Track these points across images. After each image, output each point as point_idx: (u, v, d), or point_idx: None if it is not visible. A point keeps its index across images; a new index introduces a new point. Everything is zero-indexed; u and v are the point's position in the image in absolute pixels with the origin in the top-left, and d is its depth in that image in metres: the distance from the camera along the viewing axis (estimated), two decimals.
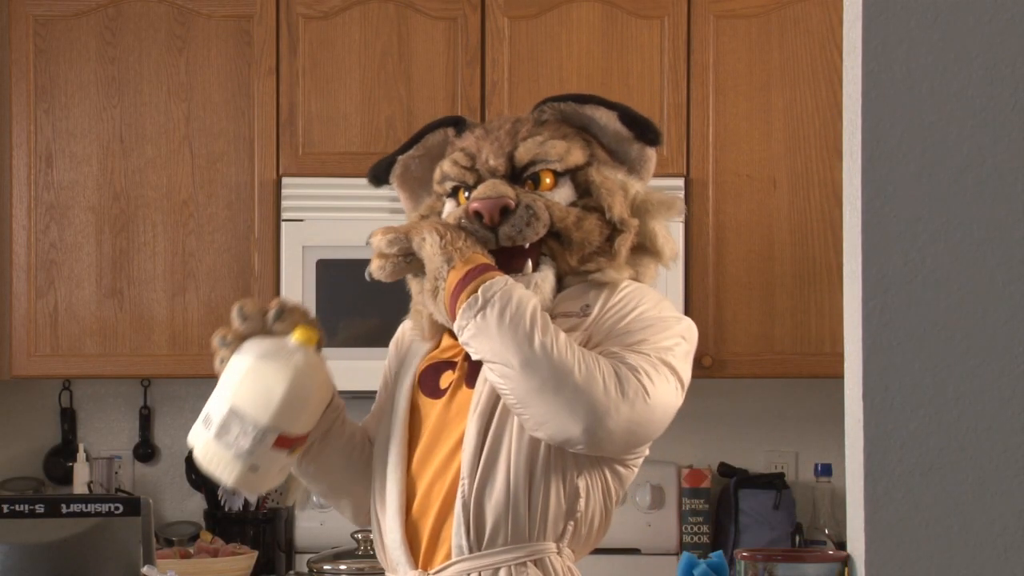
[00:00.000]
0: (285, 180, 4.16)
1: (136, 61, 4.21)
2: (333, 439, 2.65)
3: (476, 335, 2.42)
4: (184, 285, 4.20)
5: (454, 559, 2.50)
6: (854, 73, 1.97)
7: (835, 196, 4.13)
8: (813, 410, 4.49)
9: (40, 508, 2.44)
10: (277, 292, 4.16)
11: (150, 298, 4.20)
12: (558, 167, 2.57)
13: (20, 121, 4.21)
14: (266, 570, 4.17)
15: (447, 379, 2.59)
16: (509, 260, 2.52)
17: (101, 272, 4.20)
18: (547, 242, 2.54)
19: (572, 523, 2.53)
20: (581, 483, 2.53)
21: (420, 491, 2.56)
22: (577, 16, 4.20)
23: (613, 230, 2.56)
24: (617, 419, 2.41)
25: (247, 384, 2.45)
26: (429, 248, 2.49)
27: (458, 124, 2.67)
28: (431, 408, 2.59)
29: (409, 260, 2.55)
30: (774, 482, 4.35)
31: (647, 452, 2.60)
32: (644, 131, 2.64)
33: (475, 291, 2.43)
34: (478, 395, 2.53)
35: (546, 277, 2.53)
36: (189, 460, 4.44)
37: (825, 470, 4.34)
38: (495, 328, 2.41)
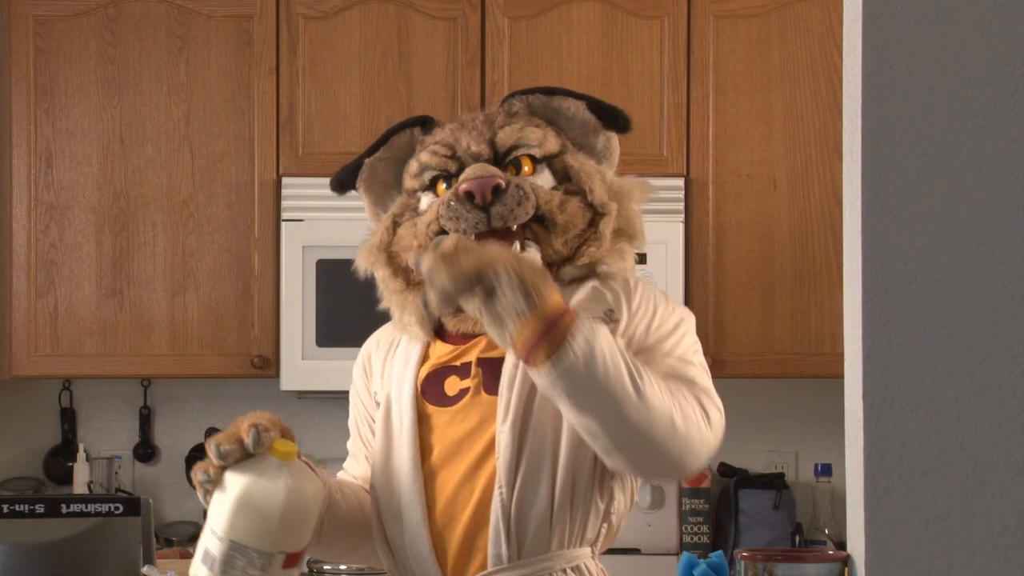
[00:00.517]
0: (285, 180, 4.16)
1: (136, 61, 4.22)
2: (337, 517, 2.61)
3: (571, 391, 2.33)
4: (184, 285, 4.20)
5: (491, 568, 2.49)
6: (854, 73, 1.97)
7: (835, 196, 4.14)
8: (813, 410, 4.49)
9: (40, 508, 2.44)
10: (277, 292, 4.16)
11: (150, 298, 4.20)
12: (537, 152, 2.57)
13: (20, 121, 4.21)
14: None
15: (454, 385, 2.57)
16: (495, 243, 2.51)
17: (101, 272, 4.20)
18: (531, 226, 2.53)
19: (606, 526, 2.54)
20: (616, 486, 2.55)
21: (442, 501, 2.54)
22: (577, 16, 4.20)
23: (595, 214, 2.56)
24: (708, 450, 2.45)
25: (242, 514, 2.37)
26: (506, 283, 2.33)
27: (425, 124, 2.66)
28: (442, 416, 2.55)
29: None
30: (774, 482, 4.35)
31: None
32: (613, 118, 2.63)
33: (562, 340, 2.33)
34: (505, 404, 2.50)
35: (535, 258, 2.52)
36: (189, 460, 4.45)
37: (825, 470, 4.34)
38: (591, 383, 2.33)
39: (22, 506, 2.43)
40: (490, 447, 2.52)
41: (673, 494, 4.36)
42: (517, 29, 4.20)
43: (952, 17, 1.92)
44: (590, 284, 2.58)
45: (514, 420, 2.49)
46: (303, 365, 4.14)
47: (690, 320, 2.61)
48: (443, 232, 2.54)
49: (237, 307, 4.20)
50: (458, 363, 2.57)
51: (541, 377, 2.34)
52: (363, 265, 2.66)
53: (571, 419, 2.39)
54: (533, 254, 2.53)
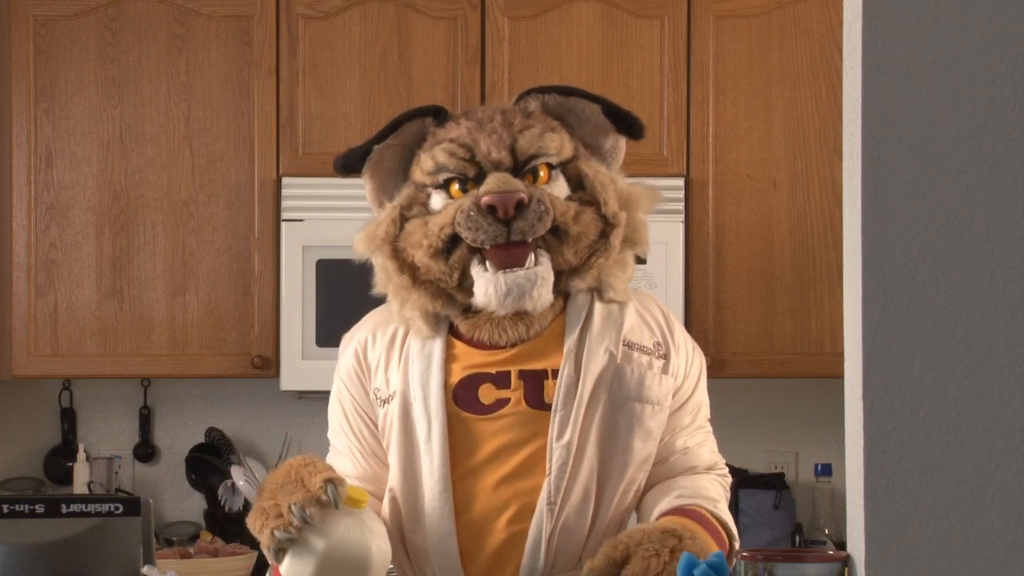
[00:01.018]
0: (285, 180, 4.16)
1: (136, 61, 4.22)
2: None
3: None
4: (184, 285, 4.20)
5: None
6: (854, 73, 1.97)
7: (835, 196, 4.14)
8: (813, 410, 4.49)
9: (40, 508, 2.43)
10: (277, 292, 4.16)
11: (150, 298, 4.20)
12: (554, 160, 2.57)
13: (20, 121, 4.21)
14: (266, 570, 4.16)
15: (490, 394, 2.56)
16: (510, 252, 2.51)
17: (101, 272, 4.20)
18: (543, 235, 2.54)
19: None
20: (631, 504, 2.64)
21: (474, 510, 2.53)
22: (577, 16, 4.20)
23: (606, 224, 2.57)
24: None
25: (336, 566, 2.37)
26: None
27: (438, 114, 2.64)
28: (476, 424, 2.55)
29: None
30: (774, 482, 4.35)
31: None
32: (629, 126, 2.63)
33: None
34: (561, 420, 2.51)
35: (548, 270, 2.53)
36: (189, 460, 4.45)
37: (825, 470, 4.34)
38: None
39: (22, 506, 2.43)
40: (531, 460, 2.52)
41: None
42: (517, 29, 4.20)
43: (952, 17, 1.92)
44: (632, 308, 2.61)
45: (570, 438, 2.50)
46: (303, 365, 4.14)
47: (703, 360, 2.76)
48: (455, 239, 2.53)
49: (237, 307, 4.20)
50: (494, 371, 2.56)
51: None
52: (363, 251, 2.64)
53: None
54: (546, 266, 2.53)
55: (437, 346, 2.58)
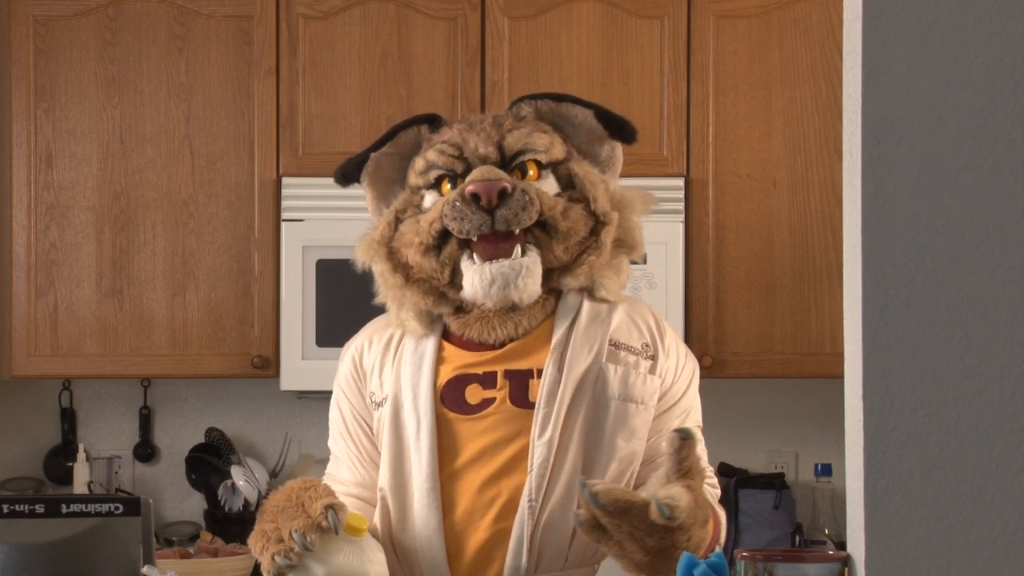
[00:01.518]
0: (285, 180, 4.16)
1: (136, 61, 4.21)
2: None
3: None
4: (184, 285, 4.20)
5: None
6: (854, 73, 1.97)
7: (835, 196, 4.14)
8: (813, 410, 4.49)
9: (40, 508, 2.43)
10: (277, 292, 4.15)
11: (150, 298, 4.20)
12: (543, 158, 2.59)
13: (20, 121, 4.21)
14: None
15: (476, 394, 2.57)
16: (497, 244, 2.52)
17: (101, 272, 4.20)
18: (532, 231, 2.55)
19: None
20: None
21: (460, 509, 2.55)
22: (577, 16, 4.20)
23: (597, 222, 2.58)
24: None
25: None
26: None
27: (432, 121, 2.67)
28: (462, 424, 2.57)
29: None
30: (774, 482, 4.35)
31: None
32: (620, 129, 2.65)
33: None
34: (543, 418, 2.53)
35: (535, 262, 2.55)
36: (189, 460, 4.45)
37: (825, 470, 4.34)
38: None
39: (22, 506, 2.43)
40: (516, 458, 2.54)
41: None
42: (517, 29, 4.20)
43: (952, 17, 1.92)
44: (622, 309, 2.62)
45: (551, 436, 2.51)
46: (303, 365, 4.13)
47: (697, 366, 2.75)
48: (445, 234, 2.55)
49: (237, 307, 4.20)
50: (480, 372, 2.58)
51: None
52: (362, 258, 2.67)
53: None
54: (533, 258, 2.54)
55: (429, 348, 2.60)
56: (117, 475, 4.43)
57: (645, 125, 4.16)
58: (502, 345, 2.59)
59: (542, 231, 2.55)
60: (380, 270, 2.64)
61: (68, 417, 4.53)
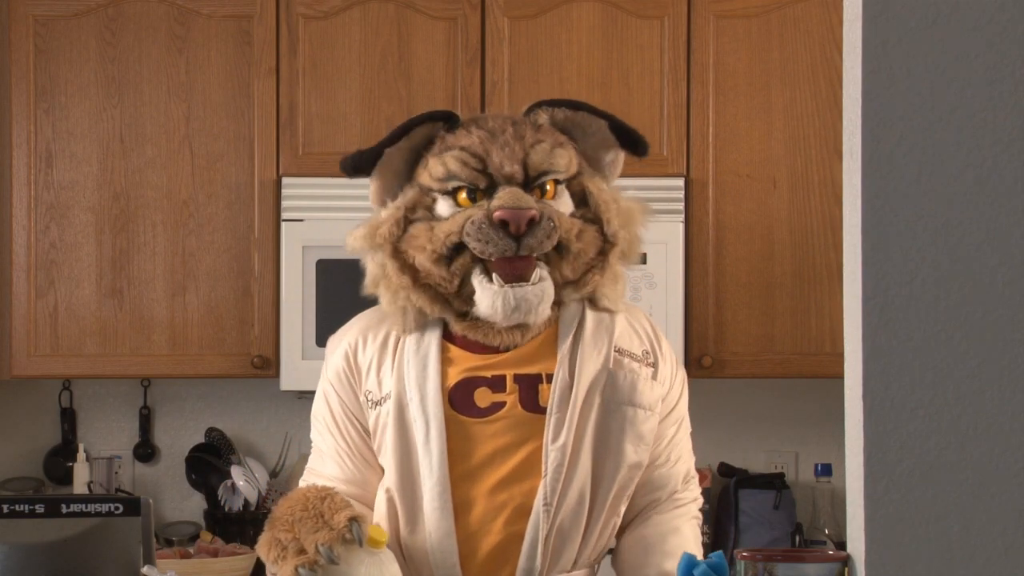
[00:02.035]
0: (285, 180, 4.16)
1: (136, 61, 4.21)
2: None
3: None
4: (184, 285, 4.20)
5: None
6: (854, 73, 1.97)
7: (835, 196, 4.14)
8: (813, 410, 4.49)
9: (40, 508, 2.43)
10: (277, 292, 4.15)
11: (150, 298, 4.20)
12: (562, 177, 2.59)
13: (20, 121, 4.21)
14: (266, 570, 4.16)
15: (485, 397, 2.58)
16: (516, 265, 2.53)
17: (101, 272, 4.20)
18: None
19: (608, 543, 2.66)
20: (623, 507, 2.66)
21: (472, 512, 2.55)
22: (577, 16, 4.20)
23: (605, 242, 2.59)
24: None
25: None
26: None
27: (448, 119, 2.65)
28: (472, 427, 2.57)
29: None
30: (774, 482, 4.35)
31: None
32: (634, 143, 2.65)
33: None
34: (556, 423, 2.54)
35: (551, 286, 2.56)
36: (189, 460, 4.45)
37: (825, 470, 4.34)
38: None
39: (22, 506, 2.43)
40: (527, 463, 2.55)
41: None
42: (517, 29, 4.20)
43: (952, 17, 1.92)
44: (622, 317, 2.64)
45: (565, 441, 2.52)
46: (303, 365, 4.13)
47: (686, 376, 2.80)
48: (459, 247, 2.54)
49: (237, 307, 4.20)
50: (489, 375, 2.58)
51: None
52: (360, 247, 2.65)
53: None
54: (549, 281, 2.55)
55: (433, 349, 2.60)
56: (117, 475, 4.43)
57: (645, 125, 4.16)
58: (507, 349, 2.59)
59: (554, 251, 2.57)
60: (381, 262, 2.63)
61: (68, 417, 4.53)
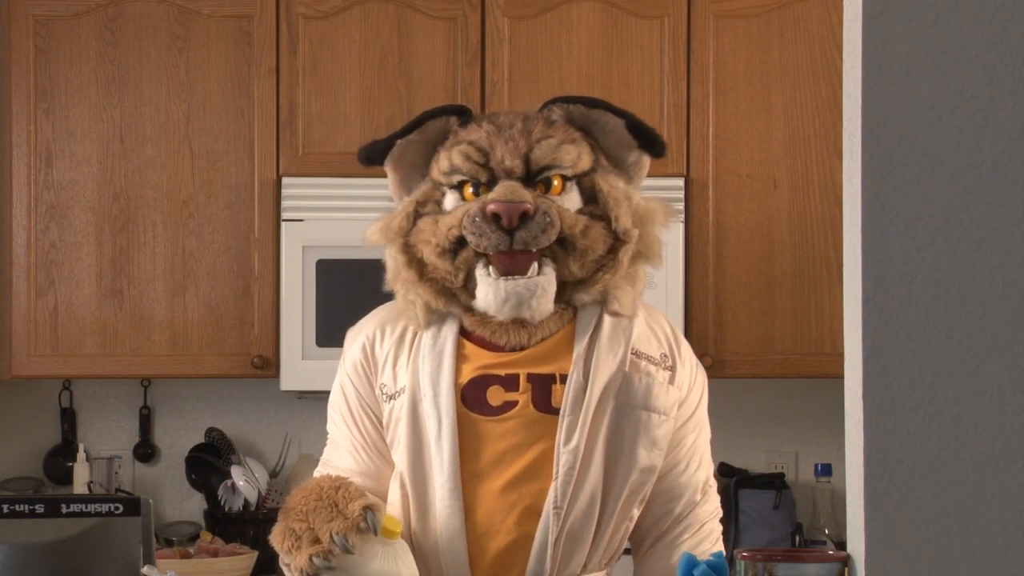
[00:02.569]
0: (285, 180, 4.16)
1: (136, 61, 4.22)
2: None
3: None
4: (184, 285, 4.20)
5: None
6: (854, 73, 1.97)
7: (835, 196, 4.14)
8: (813, 410, 4.49)
9: (40, 508, 2.43)
10: (277, 292, 4.15)
11: (150, 298, 4.20)
12: (569, 172, 2.57)
13: (20, 121, 4.21)
14: (266, 570, 4.16)
15: (498, 396, 2.56)
16: (514, 259, 2.52)
17: (101, 272, 4.20)
18: (550, 246, 2.54)
19: (622, 546, 2.64)
20: (635, 512, 2.64)
21: (482, 511, 2.54)
22: (577, 16, 4.20)
23: (616, 239, 2.57)
24: None
25: None
26: None
27: (462, 114, 2.64)
28: (484, 426, 2.56)
29: None
30: (774, 482, 4.35)
31: None
32: (650, 142, 2.64)
33: None
34: (568, 425, 2.53)
35: (551, 281, 2.54)
36: (189, 460, 4.45)
37: (825, 470, 4.34)
38: None
39: (22, 506, 2.43)
40: (537, 463, 2.54)
41: None
42: (517, 29, 4.20)
43: (952, 17, 1.92)
44: (641, 318, 2.63)
45: (577, 444, 2.51)
46: (303, 365, 4.14)
47: (706, 379, 2.76)
48: (462, 241, 2.53)
49: (237, 307, 4.20)
50: (503, 373, 2.57)
51: None
52: (377, 241, 2.65)
53: None
54: (548, 276, 2.53)
55: (448, 344, 2.59)
56: (117, 475, 4.43)
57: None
58: (513, 351, 2.58)
59: (560, 247, 2.54)
60: (393, 256, 2.63)
61: (68, 417, 4.53)
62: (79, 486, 4.36)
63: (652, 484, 2.63)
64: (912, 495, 1.91)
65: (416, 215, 2.60)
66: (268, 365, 4.18)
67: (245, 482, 4.28)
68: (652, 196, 2.69)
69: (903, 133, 1.92)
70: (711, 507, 2.71)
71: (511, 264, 2.51)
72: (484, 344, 2.59)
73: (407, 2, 4.20)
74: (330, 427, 2.73)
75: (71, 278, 4.20)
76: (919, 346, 1.92)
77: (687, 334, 4.13)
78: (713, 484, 2.74)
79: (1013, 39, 1.92)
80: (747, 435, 4.51)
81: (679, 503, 2.67)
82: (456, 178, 2.57)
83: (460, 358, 2.58)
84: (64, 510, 2.42)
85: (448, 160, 2.58)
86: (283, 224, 4.14)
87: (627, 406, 2.57)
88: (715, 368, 4.14)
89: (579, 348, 2.57)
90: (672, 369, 2.64)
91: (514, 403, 2.55)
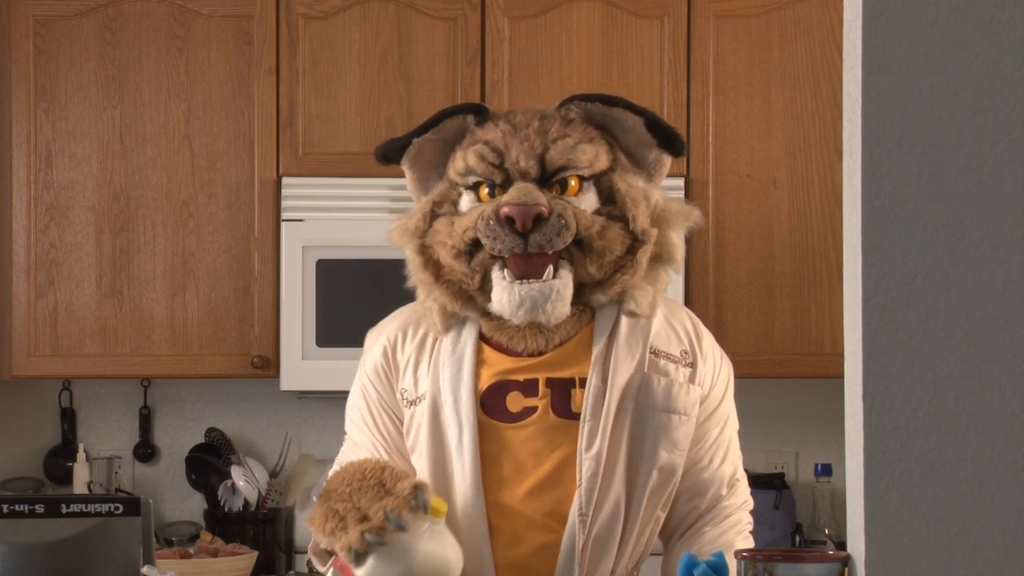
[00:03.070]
0: (285, 180, 4.16)
1: (136, 61, 4.22)
2: None
3: None
4: (184, 285, 4.20)
5: None
6: (854, 73, 1.97)
7: (835, 196, 4.14)
8: (813, 410, 4.49)
9: (40, 508, 2.43)
10: (277, 292, 4.16)
11: (150, 298, 4.20)
12: (586, 172, 2.55)
13: (20, 121, 4.21)
14: (266, 570, 4.17)
15: (517, 402, 2.54)
16: (529, 262, 2.49)
17: (101, 272, 4.20)
18: (567, 247, 2.52)
19: (648, 550, 2.63)
20: (661, 514, 2.63)
21: (505, 518, 2.53)
22: (577, 16, 4.20)
23: (634, 240, 2.55)
24: None
25: (425, 569, 2.37)
26: None
27: (479, 112, 2.61)
28: (504, 432, 2.53)
29: None
30: (774, 482, 4.35)
31: None
32: (670, 141, 2.61)
33: None
34: (590, 431, 2.50)
35: (567, 284, 2.51)
36: (189, 460, 4.45)
37: (825, 470, 4.34)
38: None
39: (22, 506, 2.43)
40: (559, 469, 2.51)
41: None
42: (517, 29, 4.20)
43: (952, 17, 1.92)
44: (660, 315, 2.60)
45: (599, 449, 2.49)
46: (303, 365, 4.13)
47: (731, 369, 2.75)
48: (477, 242, 2.51)
49: (237, 307, 4.20)
50: (522, 379, 2.54)
51: None
52: (397, 242, 2.64)
53: None
54: (565, 280, 2.51)
55: (468, 350, 2.55)
56: (117, 475, 4.43)
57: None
58: (531, 355, 2.56)
59: (577, 248, 2.51)
60: (411, 257, 2.61)
61: (68, 417, 4.53)
62: (79, 486, 4.36)
63: (676, 485, 2.61)
64: (912, 495, 1.91)
65: (433, 215, 2.58)
66: (268, 365, 4.18)
67: (245, 482, 4.28)
68: (675, 198, 2.66)
69: (903, 133, 1.92)
70: (738, 500, 2.69)
71: (527, 267, 2.48)
72: (502, 349, 2.57)
73: (407, 2, 4.20)
74: (349, 428, 2.71)
75: (71, 278, 4.20)
76: (919, 346, 1.91)
77: None
78: (741, 477, 2.71)
79: (1013, 39, 1.92)
80: (747, 435, 4.48)
81: (704, 499, 2.65)
82: (471, 179, 2.55)
83: (479, 363, 2.55)
84: (64, 510, 2.42)
85: (464, 161, 2.55)
86: (283, 224, 4.14)
87: (647, 408, 2.54)
88: None
89: (597, 351, 2.54)
90: (693, 366, 2.61)
91: (533, 409, 2.53)
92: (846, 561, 2.02)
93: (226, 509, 4.30)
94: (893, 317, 1.92)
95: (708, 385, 2.64)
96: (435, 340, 2.60)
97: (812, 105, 4.17)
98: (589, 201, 2.54)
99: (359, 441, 2.67)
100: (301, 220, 4.15)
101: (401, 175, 2.70)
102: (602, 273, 2.53)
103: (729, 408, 2.71)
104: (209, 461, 4.40)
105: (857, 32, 1.95)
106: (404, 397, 2.60)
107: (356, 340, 2.90)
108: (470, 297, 2.55)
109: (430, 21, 4.20)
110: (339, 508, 2.38)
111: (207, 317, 4.20)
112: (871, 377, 1.92)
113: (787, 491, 4.34)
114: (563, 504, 2.50)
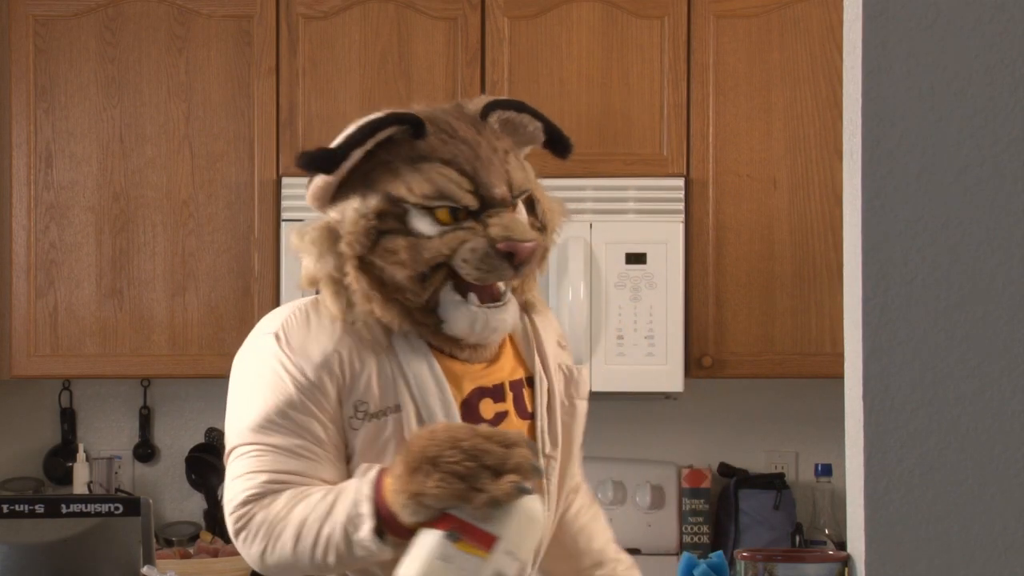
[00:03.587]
0: (285, 180, 4.16)
1: (136, 61, 4.22)
2: None
3: None
4: (184, 285, 4.20)
5: None
6: (854, 73, 1.97)
7: (835, 196, 4.14)
8: (813, 410, 4.49)
9: (40, 508, 2.44)
10: (277, 292, 4.16)
11: (150, 298, 4.20)
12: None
13: (20, 121, 4.21)
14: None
15: (489, 408, 2.50)
16: (495, 288, 2.46)
17: (101, 272, 4.20)
18: None
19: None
20: None
21: None
22: (577, 16, 4.20)
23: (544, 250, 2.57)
24: None
25: (531, 537, 2.32)
26: None
27: (416, 127, 2.48)
28: None
29: None
30: (774, 482, 4.35)
31: None
32: (564, 147, 2.59)
33: None
34: (549, 431, 2.51)
35: (515, 302, 2.52)
36: (189, 460, 4.45)
37: (825, 470, 4.34)
38: None
39: (22, 506, 2.43)
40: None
41: (673, 494, 4.36)
42: (517, 29, 4.20)
43: (952, 17, 1.92)
44: (549, 313, 2.64)
45: (552, 447, 2.52)
46: None
47: None
48: (439, 265, 2.43)
49: (237, 307, 4.20)
50: (490, 385, 2.53)
51: None
52: (304, 248, 2.60)
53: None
54: (509, 294, 2.51)
55: (432, 361, 2.49)
56: (117, 475, 4.43)
57: (645, 125, 4.17)
58: (489, 359, 2.55)
59: None
60: (343, 276, 2.53)
61: (68, 417, 4.53)
62: (79, 486, 4.36)
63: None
64: (912, 495, 1.91)
65: (376, 232, 2.47)
66: None
67: None
68: (551, 196, 2.64)
69: (903, 133, 1.93)
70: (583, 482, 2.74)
71: (492, 291, 2.47)
72: (454, 357, 2.51)
73: (407, 2, 4.20)
74: (265, 436, 2.57)
75: (71, 278, 4.20)
76: (919, 346, 1.92)
77: (687, 334, 4.14)
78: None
79: (1013, 39, 1.92)
80: (747, 435, 4.51)
81: (575, 480, 2.68)
82: (441, 203, 2.44)
83: (447, 372, 2.50)
84: (64, 510, 2.42)
85: (430, 183, 2.44)
86: (283, 224, 4.14)
87: (576, 399, 2.58)
88: (715, 368, 4.14)
89: (530, 349, 2.55)
90: (565, 348, 2.63)
91: (504, 413, 2.51)
92: (846, 561, 2.02)
93: None
94: (893, 317, 1.92)
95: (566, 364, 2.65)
96: (387, 349, 2.47)
97: (812, 105, 4.17)
98: (523, 214, 2.53)
99: (298, 452, 2.49)
100: (301, 220, 4.14)
101: None
102: (518, 280, 2.54)
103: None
104: (209, 461, 4.40)
105: (857, 32, 1.95)
106: (359, 410, 2.47)
107: None
108: (410, 314, 2.46)
109: (430, 21, 4.20)
110: (460, 469, 2.26)
111: (207, 317, 4.20)
112: (871, 377, 1.92)
113: (787, 491, 4.35)
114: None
